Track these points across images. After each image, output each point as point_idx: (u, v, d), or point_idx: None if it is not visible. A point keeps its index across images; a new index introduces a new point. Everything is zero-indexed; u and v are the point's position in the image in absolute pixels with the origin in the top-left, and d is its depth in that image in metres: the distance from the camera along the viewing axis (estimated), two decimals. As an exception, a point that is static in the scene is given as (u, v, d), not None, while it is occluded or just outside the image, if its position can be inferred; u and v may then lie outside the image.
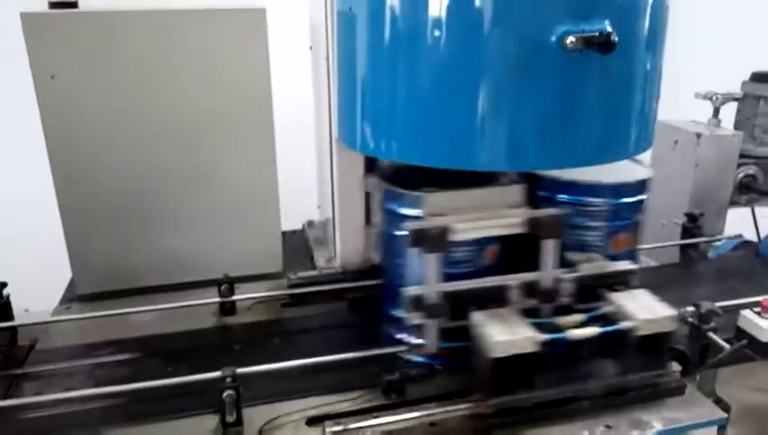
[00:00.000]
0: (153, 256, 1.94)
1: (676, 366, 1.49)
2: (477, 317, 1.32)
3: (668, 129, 2.27)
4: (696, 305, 1.59)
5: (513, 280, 1.39)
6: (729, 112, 2.38)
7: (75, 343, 1.67)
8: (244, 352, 1.63)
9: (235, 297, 1.80)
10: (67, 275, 1.96)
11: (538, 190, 1.56)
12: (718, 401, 2.04)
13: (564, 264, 1.44)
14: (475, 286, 1.38)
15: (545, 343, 1.28)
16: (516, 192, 1.46)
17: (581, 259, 1.51)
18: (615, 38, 1.11)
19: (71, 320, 1.76)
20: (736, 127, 2.32)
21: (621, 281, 1.48)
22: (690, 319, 1.59)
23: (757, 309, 1.63)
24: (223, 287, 1.78)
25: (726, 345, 1.53)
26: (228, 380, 1.29)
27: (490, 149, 1.21)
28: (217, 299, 1.78)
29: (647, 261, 2.32)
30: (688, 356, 1.58)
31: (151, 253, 1.94)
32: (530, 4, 1.14)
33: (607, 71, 1.18)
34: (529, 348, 1.26)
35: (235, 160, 1.93)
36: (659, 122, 2.34)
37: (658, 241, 2.16)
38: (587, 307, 1.41)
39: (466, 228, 1.33)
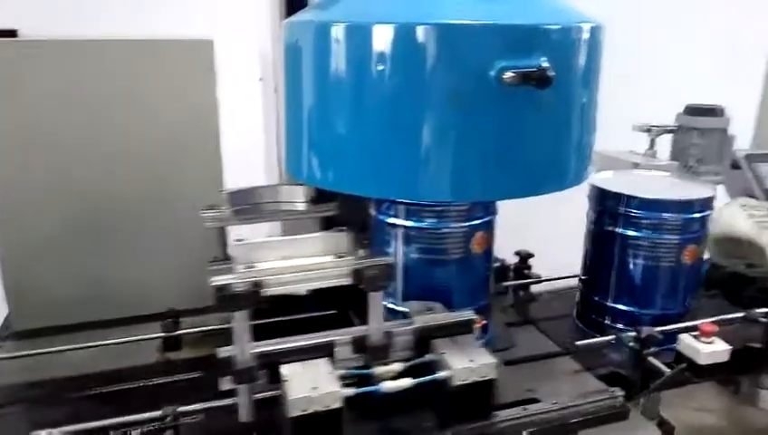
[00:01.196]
0: (95, 290, 1.88)
1: (618, 391, 1.52)
2: (285, 370, 1.24)
3: (608, 159, 2.35)
4: (637, 330, 1.64)
5: (339, 336, 1.31)
6: (665, 144, 2.49)
7: (7, 383, 1.59)
8: (188, 389, 1.59)
9: (179, 332, 1.75)
10: (3, 310, 1.88)
11: (618, 207, 1.77)
12: (662, 423, 2.09)
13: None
14: (293, 346, 1.29)
15: (352, 398, 1.22)
16: (342, 239, 1.32)
17: (420, 310, 1.46)
18: (551, 73, 1.15)
19: (2, 359, 1.67)
20: (672, 157, 2.43)
21: (462, 331, 1.42)
22: (631, 344, 1.64)
23: (695, 333, 1.68)
24: (167, 321, 1.74)
25: (666, 369, 1.58)
26: (168, 419, 1.25)
27: (433, 181, 1.23)
28: (161, 334, 1.73)
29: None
30: (631, 381, 1.63)
31: (94, 286, 1.88)
32: (470, 41, 1.17)
33: (545, 105, 1.22)
34: (333, 404, 1.18)
35: (182, 192, 1.90)
36: (600, 153, 2.44)
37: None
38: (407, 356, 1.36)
39: (279, 282, 1.22)
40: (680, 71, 3.58)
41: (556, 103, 1.24)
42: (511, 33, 1.18)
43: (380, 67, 1.20)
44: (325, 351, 1.30)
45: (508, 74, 1.14)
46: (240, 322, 1.21)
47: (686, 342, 1.66)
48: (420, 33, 1.18)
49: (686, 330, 1.71)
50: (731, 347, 1.65)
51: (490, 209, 1.61)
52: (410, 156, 1.22)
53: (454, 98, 1.17)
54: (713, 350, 1.63)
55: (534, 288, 2.18)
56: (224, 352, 1.25)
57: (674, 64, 3.69)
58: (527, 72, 1.15)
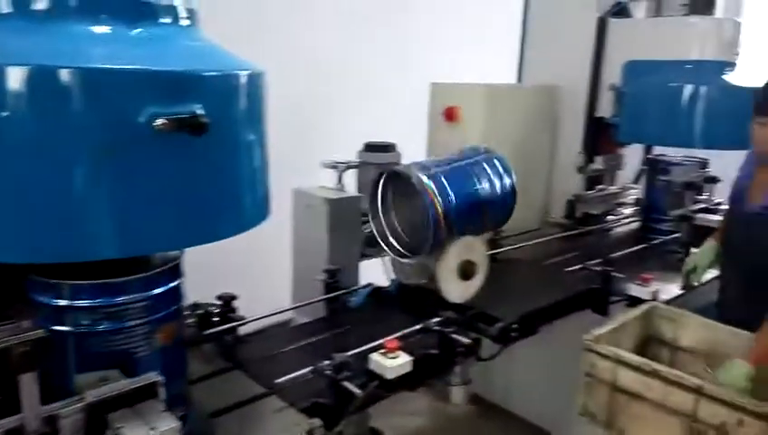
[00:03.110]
0: None
1: (317, 422, 1.57)
2: None
3: (302, 195, 2.47)
4: (331, 358, 1.72)
5: None
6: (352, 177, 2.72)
7: None
8: None
9: None
10: None
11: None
12: (374, 432, 2.23)
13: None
14: None
15: None
16: None
17: (92, 382, 1.29)
18: (205, 120, 1.15)
19: None
20: (358, 190, 2.66)
21: (145, 397, 1.29)
22: (328, 372, 1.71)
23: (383, 350, 1.83)
24: None
25: (358, 391, 1.68)
26: None
27: (89, 238, 1.12)
28: None
29: (301, 318, 2.45)
30: (331, 408, 1.70)
31: None
32: (116, 87, 1.10)
33: (204, 152, 1.20)
34: None
35: None
36: (295, 190, 2.55)
37: (305, 299, 2.32)
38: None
39: None
40: (365, 113, 3.99)
41: (217, 149, 1.23)
42: (161, 79, 1.15)
43: (14, 113, 1.06)
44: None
45: (159, 121, 1.10)
46: None
47: (375, 359, 1.80)
48: (62, 76, 1.08)
49: (376, 349, 1.84)
50: (413, 358, 1.84)
51: (175, 295, 1.45)
52: (59, 212, 1.09)
53: (102, 147, 1.08)
54: (397, 363, 1.79)
55: (242, 330, 2.15)
56: None
57: (359, 107, 4.09)
58: (179, 118, 1.12)
